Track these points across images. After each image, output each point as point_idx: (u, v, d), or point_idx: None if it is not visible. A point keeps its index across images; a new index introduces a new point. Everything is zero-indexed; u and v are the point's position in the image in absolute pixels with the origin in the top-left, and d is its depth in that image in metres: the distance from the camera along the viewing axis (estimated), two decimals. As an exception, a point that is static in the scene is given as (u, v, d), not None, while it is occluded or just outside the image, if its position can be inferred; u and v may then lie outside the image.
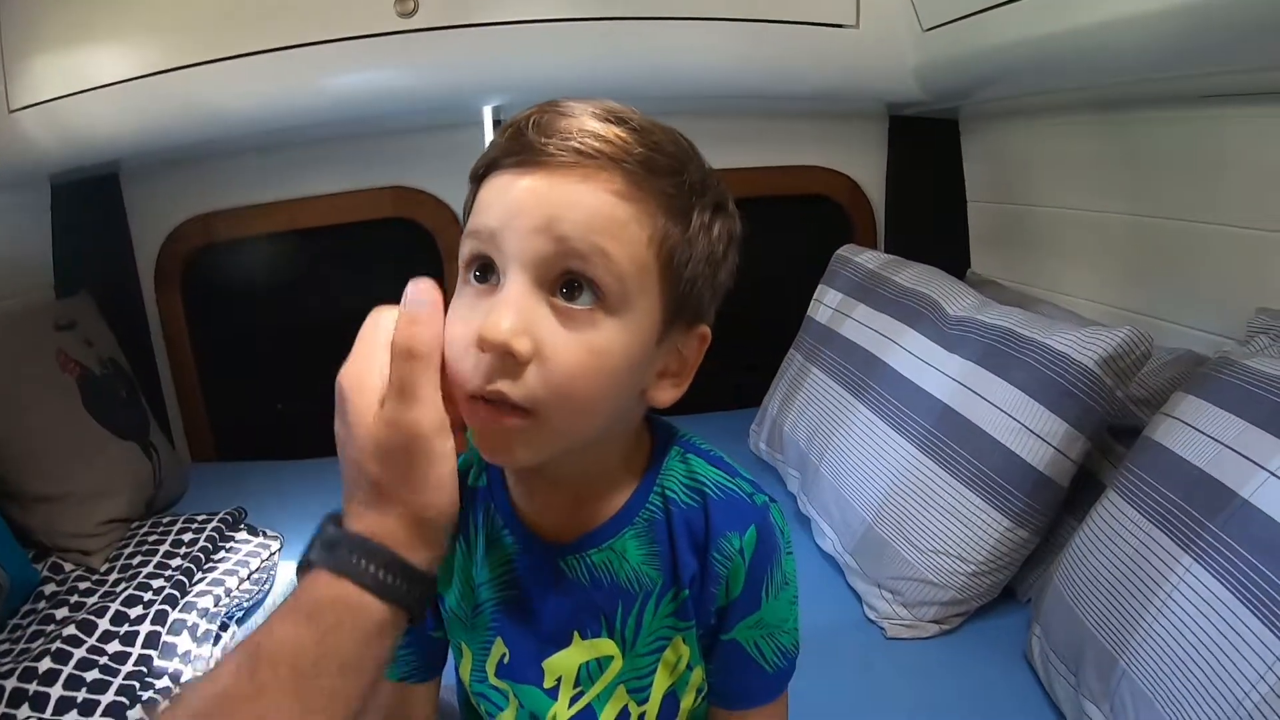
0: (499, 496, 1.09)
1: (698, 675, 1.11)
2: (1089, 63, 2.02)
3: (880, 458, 2.01)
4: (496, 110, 2.83)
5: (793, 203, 3.25)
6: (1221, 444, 1.36)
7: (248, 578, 2.05)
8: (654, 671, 1.09)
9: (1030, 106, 2.66)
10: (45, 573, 2.08)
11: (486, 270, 0.90)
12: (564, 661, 1.10)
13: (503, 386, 0.86)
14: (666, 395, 0.99)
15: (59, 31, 2.35)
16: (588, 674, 1.10)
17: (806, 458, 2.33)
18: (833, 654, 1.76)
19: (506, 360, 0.85)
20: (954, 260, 3.08)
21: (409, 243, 3.05)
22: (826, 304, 2.62)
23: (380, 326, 0.92)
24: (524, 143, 0.88)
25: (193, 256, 2.94)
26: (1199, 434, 1.42)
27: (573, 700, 1.11)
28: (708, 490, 1.04)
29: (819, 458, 2.25)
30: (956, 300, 2.17)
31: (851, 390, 2.25)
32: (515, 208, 0.87)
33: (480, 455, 0.94)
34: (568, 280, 0.87)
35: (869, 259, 2.63)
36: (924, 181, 3.18)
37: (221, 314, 3.05)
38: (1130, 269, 2.34)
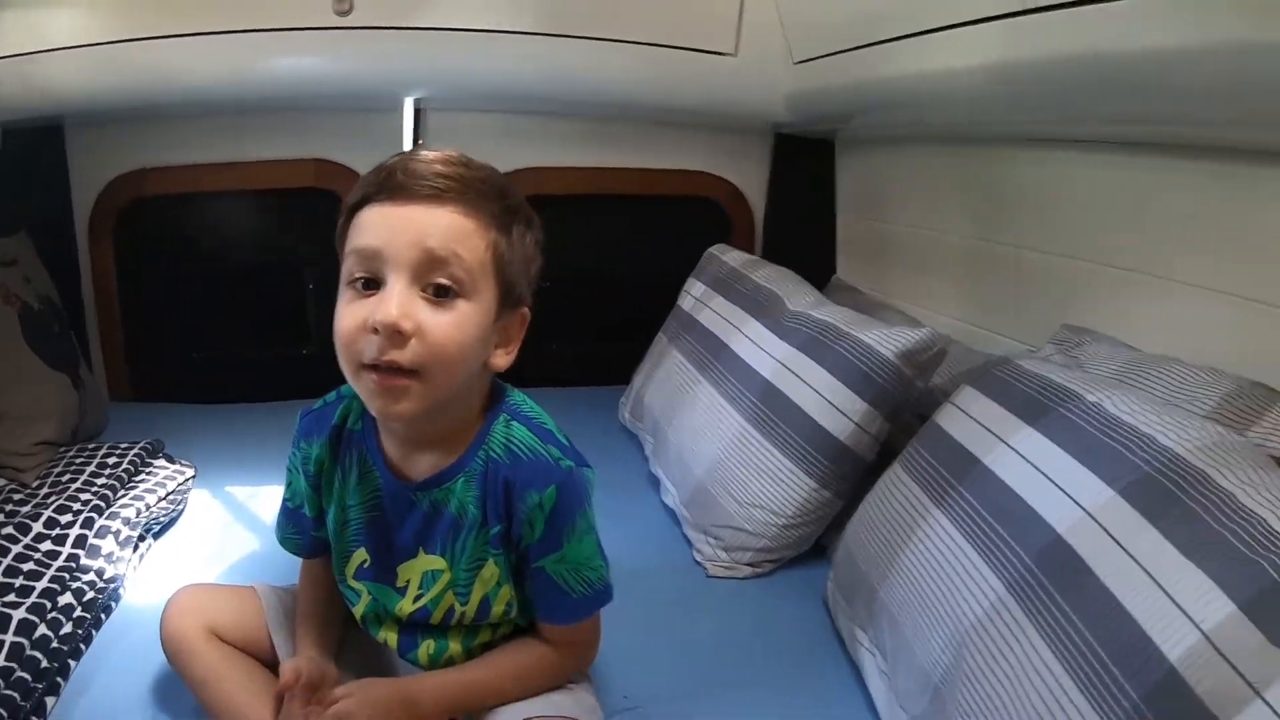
0: (370, 441, 1.40)
1: (505, 591, 1.40)
2: (928, 104, 2.26)
3: (715, 425, 2.23)
4: (417, 101, 3.01)
5: (683, 204, 3.45)
6: (976, 421, 1.60)
7: (165, 497, 2.18)
8: (473, 582, 1.37)
9: (894, 136, 2.88)
10: (-20, 486, 2.17)
11: (369, 282, 1.22)
12: (412, 568, 1.39)
13: (394, 356, 1.19)
14: (502, 361, 1.34)
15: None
16: (426, 581, 1.39)
17: (659, 426, 2.54)
18: (661, 589, 1.98)
19: (395, 337, 1.18)
20: (822, 266, 3.32)
21: (327, 212, 3.05)
22: (692, 295, 2.83)
23: None
24: (394, 183, 1.23)
25: (127, 207, 3.02)
26: (964, 414, 1.66)
27: (416, 599, 1.40)
28: (519, 452, 1.34)
29: (668, 425, 2.47)
30: (798, 298, 2.39)
31: (699, 368, 2.47)
32: (393, 230, 1.21)
33: (370, 409, 1.28)
34: (436, 285, 1.21)
35: (734, 258, 2.84)
36: (801, 193, 3.40)
37: (149, 264, 3.13)
38: (968, 286, 2.55)
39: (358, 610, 1.48)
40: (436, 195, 1.22)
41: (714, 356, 2.44)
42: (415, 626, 1.45)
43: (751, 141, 3.41)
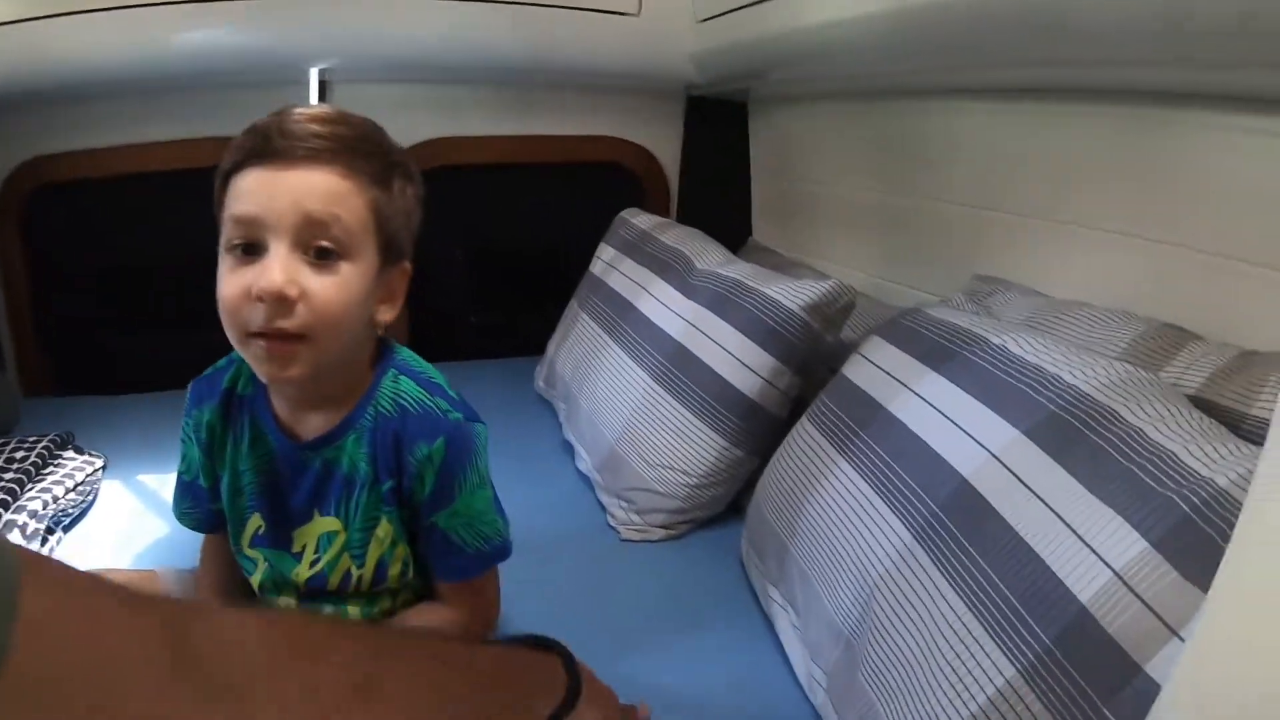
0: (261, 405, 1.35)
1: (401, 550, 1.38)
2: (829, 56, 2.22)
3: (625, 387, 2.18)
4: (323, 73, 2.90)
5: (597, 170, 3.40)
6: (882, 370, 1.56)
7: (73, 489, 2.11)
8: (368, 543, 1.36)
9: (805, 93, 2.84)
10: (-114, 490, 2.08)
11: (249, 248, 1.17)
12: (307, 532, 1.35)
13: (281, 323, 1.15)
14: (387, 315, 1.31)
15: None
16: (322, 544, 1.35)
17: (570, 391, 2.48)
18: (575, 554, 1.93)
19: (281, 304, 1.14)
20: (738, 229, 3.30)
21: None
22: (603, 259, 2.77)
23: None
24: (270, 146, 1.17)
25: (33, 195, 2.92)
26: (869, 363, 1.62)
27: (312, 564, 1.36)
28: (407, 406, 1.31)
29: (579, 390, 2.41)
30: (706, 257, 2.33)
31: (607, 331, 2.42)
32: (271, 195, 1.16)
33: (258, 374, 1.22)
34: (318, 248, 1.17)
35: (644, 221, 2.79)
36: (714, 156, 3.35)
37: (59, 253, 3.04)
38: (882, 241, 2.54)
39: (255, 579, 1.43)
40: (314, 156, 1.17)
41: (621, 318, 2.39)
42: (314, 594, 1.41)
43: (663, 104, 3.35)
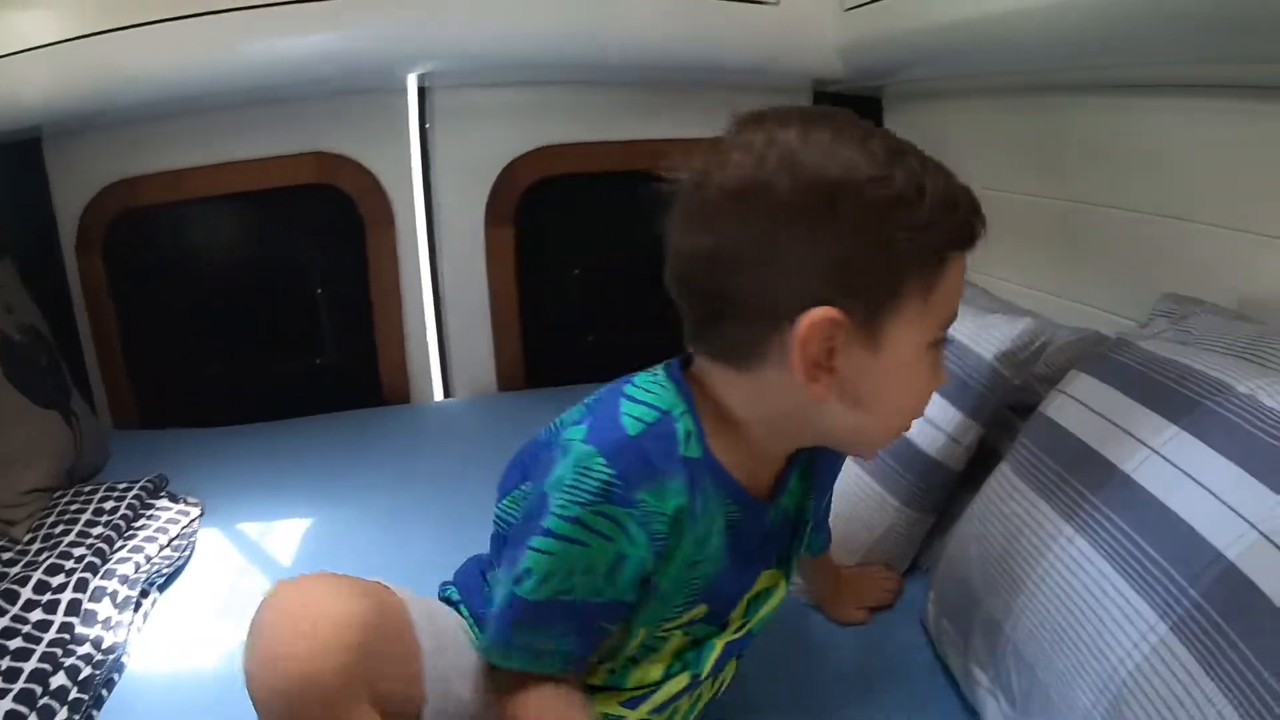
0: (715, 464, 1.14)
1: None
2: (1004, 49, 2.08)
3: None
4: (421, 78, 2.84)
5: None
6: (1108, 420, 1.40)
7: (168, 544, 2.04)
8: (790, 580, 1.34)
9: (952, 88, 2.71)
10: (-33, 544, 2.05)
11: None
12: (741, 601, 1.29)
13: None
14: None
15: (-20, -5, 2.28)
16: (752, 606, 1.29)
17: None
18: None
19: None
20: (872, 237, 3.13)
21: (331, 208, 3.02)
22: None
23: None
24: (974, 233, 1.18)
25: (115, 221, 2.90)
26: (1088, 410, 1.46)
27: (736, 629, 1.28)
28: None
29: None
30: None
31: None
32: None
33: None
34: None
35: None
36: (848, 156, 3.20)
37: (144, 279, 3.02)
38: (1045, 251, 2.40)
39: (654, 701, 1.25)
40: None
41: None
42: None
43: (788, 101, 3.14)
